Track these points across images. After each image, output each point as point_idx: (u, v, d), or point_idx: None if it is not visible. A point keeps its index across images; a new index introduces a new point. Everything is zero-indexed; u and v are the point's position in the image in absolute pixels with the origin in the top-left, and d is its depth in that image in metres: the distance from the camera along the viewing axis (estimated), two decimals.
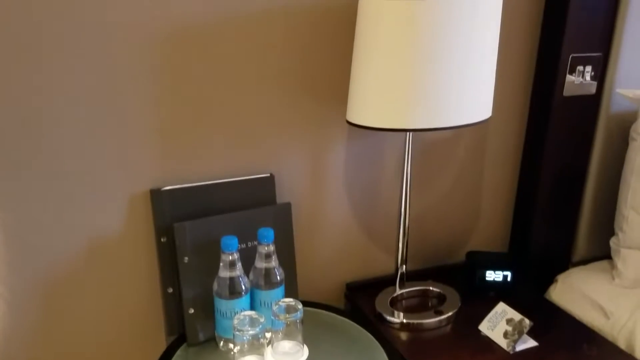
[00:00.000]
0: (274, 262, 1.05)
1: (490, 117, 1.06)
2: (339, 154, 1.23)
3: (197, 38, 1.03)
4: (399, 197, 1.25)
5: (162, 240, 1.10)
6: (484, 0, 0.92)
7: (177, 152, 1.09)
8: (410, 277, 1.30)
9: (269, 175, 1.16)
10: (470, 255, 1.35)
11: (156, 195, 1.08)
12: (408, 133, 1.13)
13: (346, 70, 1.15)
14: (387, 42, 0.93)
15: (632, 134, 1.27)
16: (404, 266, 1.25)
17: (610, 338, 1.16)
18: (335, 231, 1.29)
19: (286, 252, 1.16)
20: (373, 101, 0.97)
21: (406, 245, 1.23)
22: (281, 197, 1.20)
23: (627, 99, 1.27)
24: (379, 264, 1.37)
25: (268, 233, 1.03)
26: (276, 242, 1.05)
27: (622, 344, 1.14)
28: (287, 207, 1.16)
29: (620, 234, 1.29)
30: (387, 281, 1.30)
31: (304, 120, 1.17)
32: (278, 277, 1.06)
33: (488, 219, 1.44)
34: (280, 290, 1.06)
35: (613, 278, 1.28)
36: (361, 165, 1.26)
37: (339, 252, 1.32)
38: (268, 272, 1.05)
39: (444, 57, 0.92)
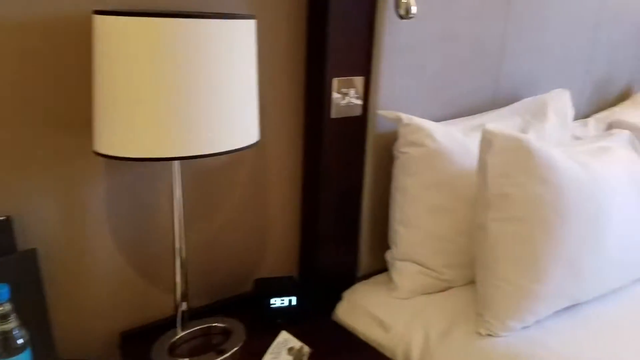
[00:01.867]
0: (12, 324, 0.88)
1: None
2: (96, 188, 1.10)
3: None
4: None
5: None
6: (237, 23, 0.89)
7: None
8: (196, 315, 1.21)
9: (4, 218, 0.99)
10: (257, 283, 1.31)
11: None
12: (174, 161, 1.04)
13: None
14: (129, 65, 0.84)
15: (395, 152, 1.34)
16: (185, 304, 1.15)
17: (390, 352, 1.19)
18: (102, 274, 1.15)
19: (35, 308, 0.99)
20: (120, 128, 0.87)
21: (186, 280, 1.13)
22: (26, 243, 1.03)
23: (387, 120, 1.35)
24: (160, 306, 1.25)
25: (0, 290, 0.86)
26: (19, 297, 0.89)
27: (400, 357, 1.18)
28: (32, 254, 1.00)
29: (394, 248, 1.36)
30: (168, 324, 1.19)
31: (50, 152, 1.02)
32: (19, 341, 0.89)
33: (276, 243, 1.41)
34: (24, 356, 0.90)
35: (391, 291, 1.33)
36: (127, 198, 1.14)
37: (110, 298, 1.18)
38: (5, 337, 0.87)
39: (193, 82, 0.86)
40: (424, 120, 1.33)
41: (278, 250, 1.42)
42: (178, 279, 1.13)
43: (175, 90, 0.86)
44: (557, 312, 1.22)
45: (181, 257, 1.11)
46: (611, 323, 1.21)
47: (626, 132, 1.52)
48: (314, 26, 1.26)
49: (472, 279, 1.32)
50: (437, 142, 1.30)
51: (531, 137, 1.21)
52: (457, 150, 1.31)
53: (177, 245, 1.11)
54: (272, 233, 1.39)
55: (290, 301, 1.25)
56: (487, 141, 1.19)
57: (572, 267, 1.17)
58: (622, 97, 2.03)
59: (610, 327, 1.20)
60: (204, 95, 0.88)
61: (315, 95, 1.30)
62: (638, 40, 2.01)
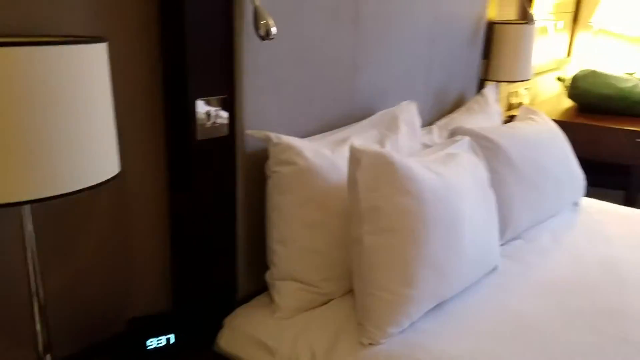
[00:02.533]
0: None
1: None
2: None
3: None
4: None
5: None
6: (85, 49, 0.81)
7: None
8: None
9: None
10: (130, 323, 1.21)
11: None
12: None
13: None
14: None
15: (267, 171, 1.34)
16: (49, 356, 1.02)
17: None
18: None
19: None
20: None
21: (47, 328, 1.01)
22: None
23: (257, 139, 1.34)
24: None
25: None
26: None
27: None
28: None
29: (272, 267, 1.35)
30: None
31: None
32: None
33: (147, 277, 1.32)
34: None
35: (273, 312, 1.33)
36: None
37: None
38: None
39: (38, 116, 0.77)
40: (292, 138, 1.34)
41: (150, 284, 1.33)
42: (38, 327, 1.00)
43: (15, 127, 0.76)
44: (427, 312, 1.31)
45: (39, 302, 0.99)
46: (473, 314, 1.34)
47: (467, 138, 1.68)
48: (171, 48, 1.20)
49: (350, 289, 1.36)
50: (307, 159, 1.32)
51: (393, 153, 1.29)
52: (326, 167, 1.35)
53: (33, 289, 0.98)
54: (142, 267, 1.30)
55: (168, 340, 1.18)
56: (356, 159, 1.24)
57: (436, 269, 1.27)
58: (457, 104, 2.25)
59: (473, 317, 1.32)
60: (51, 130, 0.79)
61: (178, 118, 1.24)
62: (466, 52, 2.24)
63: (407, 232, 1.23)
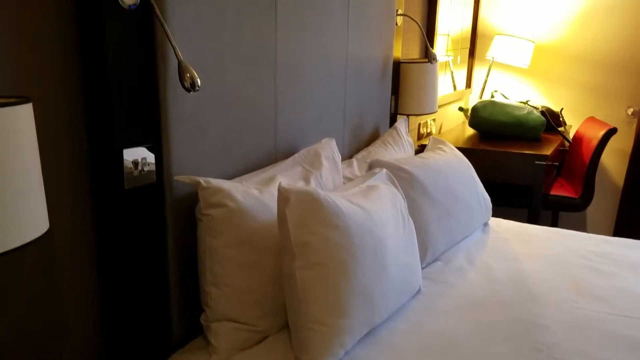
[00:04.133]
0: None
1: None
2: None
3: None
4: None
5: None
6: (10, 114, 0.82)
7: None
8: None
9: None
10: None
11: None
12: None
13: None
14: None
15: (198, 215, 1.36)
16: None
17: None
18: None
19: None
20: None
21: None
22: None
23: (186, 184, 1.36)
24: None
25: None
26: None
27: None
28: None
29: (207, 310, 1.36)
30: None
31: None
32: None
33: (80, 331, 1.28)
34: None
35: (210, 354, 1.34)
36: None
37: None
38: None
39: None
40: (221, 180, 1.38)
41: (82, 339, 1.29)
42: None
43: None
44: (360, 340, 1.38)
45: None
46: (400, 338, 1.42)
47: (384, 170, 1.80)
48: (95, 102, 1.22)
49: (285, 324, 1.40)
50: (237, 201, 1.36)
51: (319, 190, 1.37)
52: (256, 207, 1.39)
53: None
54: (74, 322, 1.27)
55: None
56: (284, 197, 1.30)
57: (366, 297, 1.35)
58: (373, 137, 2.39)
59: (401, 341, 1.41)
60: None
61: (105, 169, 1.24)
62: (378, 89, 2.39)
63: (337, 264, 1.30)
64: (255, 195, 1.42)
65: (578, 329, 1.47)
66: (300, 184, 1.62)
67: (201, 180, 1.34)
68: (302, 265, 1.29)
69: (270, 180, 1.54)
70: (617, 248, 2.03)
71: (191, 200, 1.40)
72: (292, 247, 1.30)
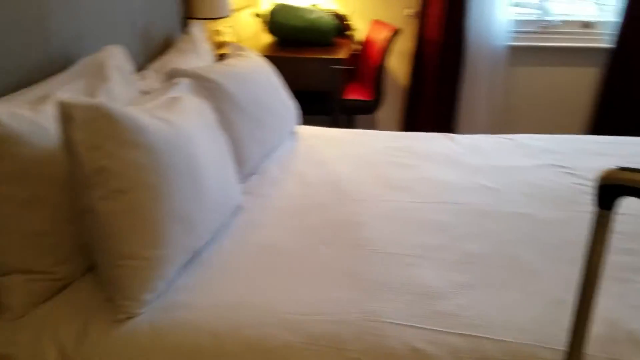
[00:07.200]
0: None
1: None
2: None
3: None
4: None
5: None
6: None
7: None
8: None
9: None
10: None
11: None
12: None
13: None
14: None
15: None
16: None
17: None
18: None
19: None
20: None
21: None
22: None
23: None
24: None
25: None
26: None
27: None
28: None
29: None
30: None
31: None
32: None
33: None
34: None
35: (1, 314, 1.09)
36: None
37: None
38: None
39: None
40: None
41: None
42: None
43: None
44: (182, 267, 1.25)
45: None
46: (228, 257, 1.33)
47: (186, 80, 1.61)
48: None
49: (90, 266, 1.20)
50: (3, 125, 1.07)
51: (111, 103, 1.14)
52: (30, 130, 1.12)
53: None
54: None
55: None
56: (67, 115, 1.06)
57: (183, 221, 1.21)
58: (165, 45, 2.12)
59: (228, 261, 1.31)
60: None
61: None
62: None
63: (144, 189, 1.12)
64: (27, 116, 1.14)
65: (390, 220, 1.54)
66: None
67: None
68: (102, 195, 1.08)
69: (45, 98, 1.25)
70: (413, 141, 2.17)
71: None
72: (86, 175, 1.08)
